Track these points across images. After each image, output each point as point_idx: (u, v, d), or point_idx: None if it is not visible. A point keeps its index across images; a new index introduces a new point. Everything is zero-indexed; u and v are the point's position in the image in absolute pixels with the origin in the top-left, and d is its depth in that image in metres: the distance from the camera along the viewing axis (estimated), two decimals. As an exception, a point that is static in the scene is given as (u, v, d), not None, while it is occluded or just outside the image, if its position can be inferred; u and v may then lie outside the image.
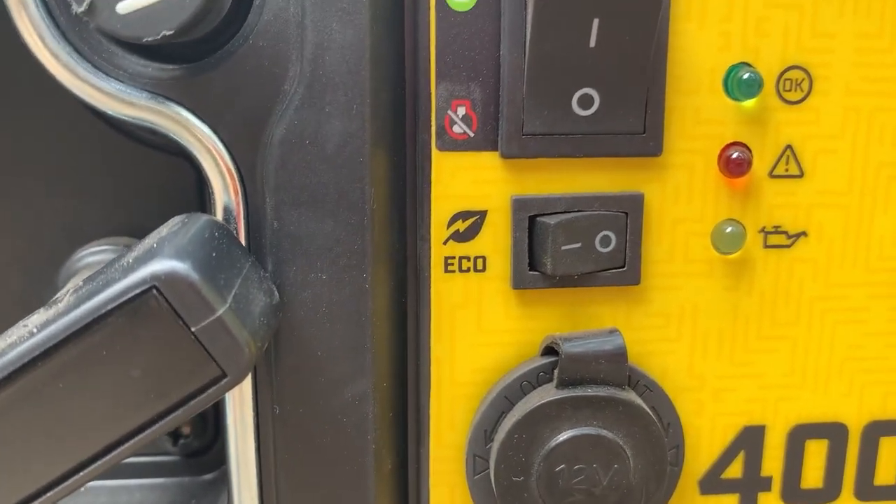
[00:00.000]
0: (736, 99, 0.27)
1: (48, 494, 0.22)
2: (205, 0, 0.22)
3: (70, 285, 0.28)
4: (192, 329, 0.21)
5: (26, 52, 0.30)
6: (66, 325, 0.21)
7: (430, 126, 0.26)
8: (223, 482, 0.33)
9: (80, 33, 0.24)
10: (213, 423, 0.34)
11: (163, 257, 0.21)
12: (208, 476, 0.34)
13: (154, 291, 0.20)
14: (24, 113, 0.31)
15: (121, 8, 0.22)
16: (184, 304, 0.21)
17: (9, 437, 0.22)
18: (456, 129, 0.27)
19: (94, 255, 0.31)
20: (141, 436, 0.22)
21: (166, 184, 0.32)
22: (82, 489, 0.33)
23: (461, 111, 0.26)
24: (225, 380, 0.21)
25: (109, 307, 0.20)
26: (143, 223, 0.32)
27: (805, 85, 0.27)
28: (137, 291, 0.20)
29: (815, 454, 0.30)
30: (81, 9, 0.22)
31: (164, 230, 0.23)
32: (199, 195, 0.32)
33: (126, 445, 0.22)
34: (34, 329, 0.21)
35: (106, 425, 0.22)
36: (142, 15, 0.22)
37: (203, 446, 0.34)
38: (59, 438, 0.22)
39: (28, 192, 0.32)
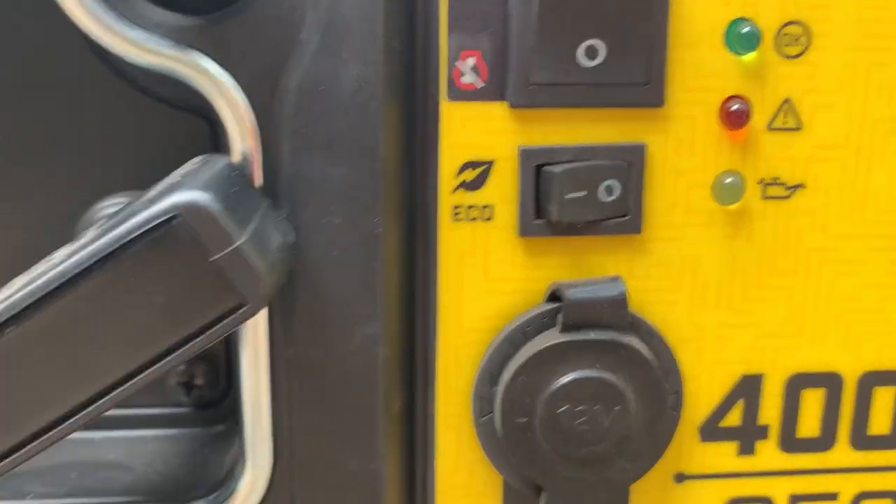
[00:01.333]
0: (736, 53, 0.28)
1: (76, 417, 0.22)
2: (226, -55, 0.23)
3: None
4: (214, 257, 0.22)
5: (40, 7, 0.31)
6: (91, 253, 0.22)
7: (440, 76, 0.27)
8: (235, 433, 0.34)
9: (103, -19, 0.25)
10: (224, 375, 0.35)
11: (186, 188, 0.22)
12: (220, 427, 0.35)
13: (177, 220, 0.21)
14: (37, 70, 0.32)
15: (147, -47, 0.23)
16: (206, 233, 0.21)
17: (36, 363, 0.23)
18: (465, 79, 0.27)
19: (110, 207, 0.32)
20: (163, 362, 0.23)
21: (182, 140, 0.33)
22: (98, 437, 0.34)
23: (471, 62, 0.27)
24: (245, 307, 0.22)
25: (134, 235, 0.21)
26: (159, 180, 0.33)
27: (804, 40, 0.28)
28: (161, 220, 0.21)
29: (812, 403, 0.31)
30: (108, -46, 0.23)
31: (184, 168, 0.24)
32: (214, 151, 0.33)
33: (149, 371, 0.23)
34: (61, 260, 0.22)
35: (130, 351, 0.22)
36: (165, -40, 0.23)
37: (215, 397, 0.35)
38: (85, 364, 0.23)
39: (44, 150, 0.33)
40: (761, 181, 0.29)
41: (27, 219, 0.33)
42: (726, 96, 0.28)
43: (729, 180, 0.29)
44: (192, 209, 0.21)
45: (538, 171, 0.28)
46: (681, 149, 0.28)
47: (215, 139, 0.33)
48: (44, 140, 0.33)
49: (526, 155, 0.28)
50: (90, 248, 0.22)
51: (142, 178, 0.33)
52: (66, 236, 0.33)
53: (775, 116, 0.29)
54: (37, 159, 0.33)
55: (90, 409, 0.23)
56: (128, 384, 0.23)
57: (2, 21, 0.31)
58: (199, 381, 0.34)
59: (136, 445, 0.34)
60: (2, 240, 0.33)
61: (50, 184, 0.33)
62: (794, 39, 0.28)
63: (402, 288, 0.29)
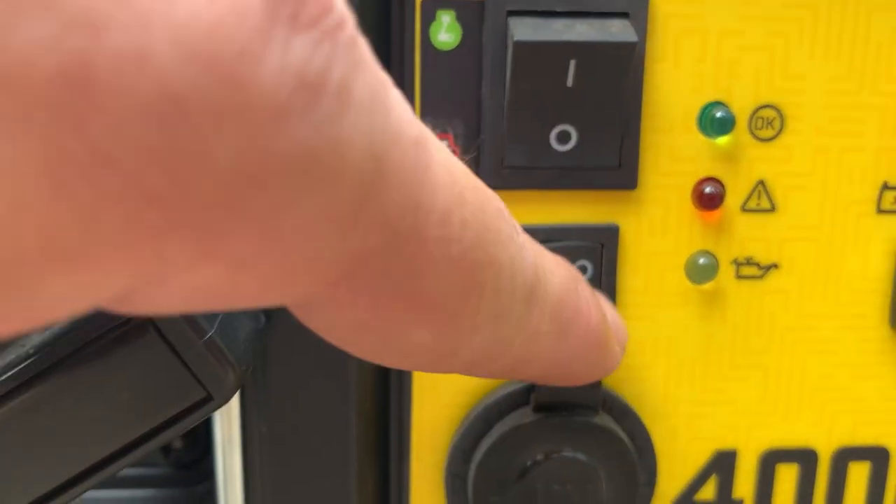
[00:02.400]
0: (709, 136, 0.28)
1: (42, 507, 0.23)
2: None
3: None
4: (180, 355, 0.22)
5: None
6: (60, 348, 0.22)
7: (415, 158, 0.28)
8: (213, 494, 0.34)
9: None
10: (203, 437, 0.35)
11: (153, 285, 0.22)
12: (199, 487, 0.35)
13: (142, 318, 0.22)
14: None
15: None
16: (172, 331, 0.22)
17: (2, 453, 0.23)
18: (439, 161, 0.28)
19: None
20: (130, 455, 0.23)
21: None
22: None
23: (444, 145, 0.28)
24: (211, 402, 0.23)
25: (101, 331, 0.22)
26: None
27: (777, 123, 0.28)
28: (128, 317, 0.22)
29: (786, 478, 0.31)
30: None
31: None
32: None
33: (115, 463, 0.23)
34: (30, 351, 0.23)
35: (96, 444, 0.23)
36: None
37: (194, 459, 0.35)
38: (50, 456, 0.23)
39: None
40: (735, 261, 0.29)
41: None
42: (700, 178, 0.28)
43: (702, 260, 0.29)
44: (158, 307, 0.22)
45: (512, 251, 0.28)
46: (654, 230, 0.29)
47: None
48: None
49: (499, 235, 0.28)
50: (60, 343, 0.22)
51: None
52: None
53: (749, 198, 0.29)
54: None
55: (59, 498, 0.23)
56: (92, 477, 0.23)
57: None
58: (177, 444, 0.35)
59: (115, 506, 0.34)
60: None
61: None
62: (768, 123, 0.28)
63: (377, 365, 0.29)
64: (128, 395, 0.22)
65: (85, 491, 0.23)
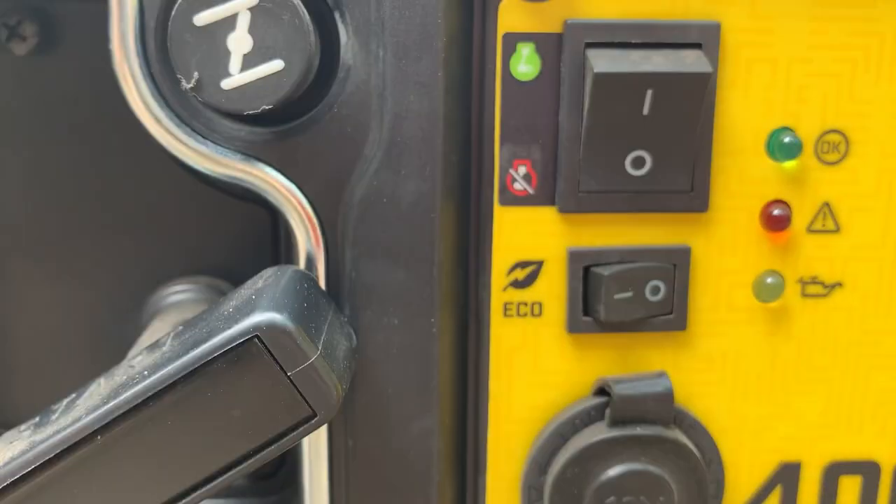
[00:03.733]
0: (777, 160, 0.29)
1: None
2: (300, 76, 0.25)
3: (167, 323, 0.31)
4: (289, 374, 0.23)
5: (113, 103, 0.33)
6: (176, 368, 0.23)
7: (494, 183, 0.29)
8: (289, 505, 0.36)
9: (180, 100, 0.27)
10: (280, 450, 0.36)
11: (263, 309, 0.23)
12: (273, 498, 0.36)
13: (256, 340, 0.23)
14: (109, 160, 0.34)
15: (225, 84, 0.24)
16: (282, 352, 0.23)
17: (120, 468, 0.24)
18: (517, 186, 0.29)
19: (175, 294, 0.34)
20: (236, 469, 0.24)
21: (243, 228, 0.34)
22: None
23: (522, 170, 0.29)
24: (315, 419, 0.24)
25: (216, 353, 0.23)
26: (220, 264, 0.35)
27: (842, 147, 0.29)
28: (241, 340, 0.23)
29: (849, 490, 0.32)
30: (190, 85, 0.25)
31: (259, 282, 0.25)
32: (273, 238, 0.34)
33: (223, 478, 0.24)
34: (145, 372, 0.24)
35: (206, 459, 0.24)
36: (243, 91, 0.25)
37: (270, 470, 0.36)
38: (163, 471, 0.24)
39: (113, 233, 0.35)
40: (800, 280, 0.30)
41: (95, 300, 0.35)
42: (767, 201, 0.29)
43: (770, 280, 0.30)
44: (269, 329, 0.23)
45: (586, 271, 0.29)
46: (724, 250, 0.30)
47: (275, 227, 0.35)
48: (112, 225, 0.35)
49: (575, 256, 0.29)
50: (176, 364, 0.23)
51: (204, 264, 0.35)
52: (131, 317, 0.35)
53: (814, 219, 0.30)
54: (104, 244, 0.35)
55: (169, 510, 0.24)
56: (202, 489, 0.24)
57: (80, 115, 0.33)
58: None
59: (193, 516, 0.36)
60: (71, 320, 0.35)
61: (115, 267, 0.35)
62: (833, 147, 0.29)
63: (455, 381, 0.30)
64: (238, 413, 0.24)
65: (198, 501, 0.24)
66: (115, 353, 0.36)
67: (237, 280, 0.35)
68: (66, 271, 0.34)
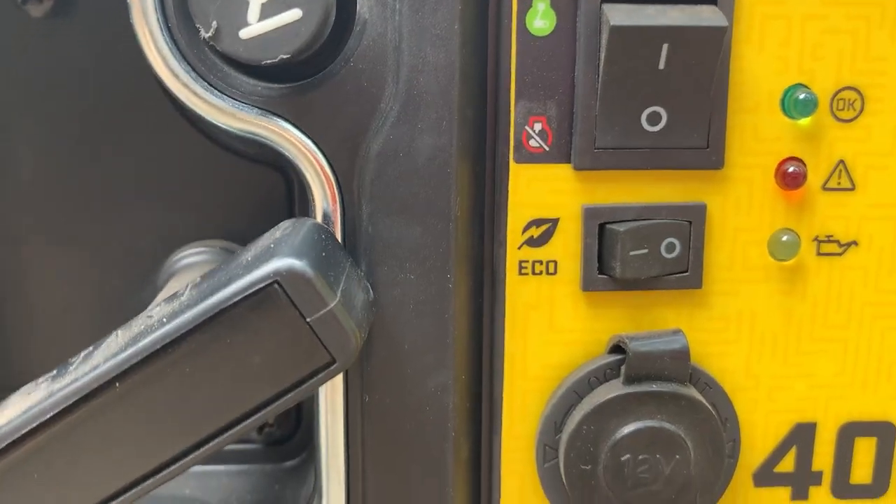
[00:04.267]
0: (792, 117, 0.29)
1: (173, 467, 0.24)
2: (318, 26, 0.25)
3: (183, 282, 0.31)
4: (308, 319, 0.23)
5: (128, 65, 0.33)
6: (195, 315, 0.23)
7: (509, 140, 0.29)
8: (304, 469, 0.36)
9: (197, 55, 0.27)
10: (294, 414, 0.36)
11: (283, 255, 0.23)
12: (290, 463, 0.36)
13: (276, 286, 0.23)
14: (122, 124, 0.34)
15: (243, 34, 0.25)
16: (302, 297, 0.23)
17: (138, 416, 0.24)
18: (532, 143, 0.29)
19: (190, 256, 0.34)
20: (256, 416, 0.24)
21: (256, 191, 0.35)
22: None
23: (538, 127, 0.29)
24: (334, 365, 0.24)
25: (235, 299, 0.23)
26: (235, 228, 0.35)
27: (857, 104, 0.29)
28: (261, 285, 0.23)
29: (864, 451, 0.32)
30: (208, 34, 0.25)
31: (276, 232, 0.26)
32: (287, 202, 0.35)
33: (242, 425, 0.24)
34: (163, 319, 0.24)
35: (226, 405, 0.24)
36: (261, 40, 0.25)
37: (285, 435, 0.36)
38: (183, 418, 0.24)
39: (127, 199, 0.35)
40: (816, 238, 0.30)
41: (109, 264, 0.35)
42: (783, 158, 0.29)
43: (785, 238, 0.30)
44: (289, 275, 0.23)
45: (601, 228, 0.29)
46: (739, 208, 0.30)
47: (289, 190, 0.35)
48: (125, 189, 0.35)
49: (590, 213, 0.29)
50: (194, 310, 0.23)
51: (218, 228, 0.35)
52: (146, 281, 0.35)
53: (830, 177, 0.30)
54: (118, 208, 0.35)
55: (187, 458, 0.24)
56: (222, 436, 0.24)
57: (95, 78, 0.33)
58: (270, 419, 0.36)
59: (210, 480, 0.36)
60: (85, 284, 0.35)
61: (129, 232, 0.35)
62: (849, 104, 0.29)
63: (471, 338, 0.30)
64: (257, 359, 0.24)
65: (215, 451, 0.24)
66: (129, 318, 0.36)
67: (252, 243, 0.35)
68: (80, 237, 0.35)
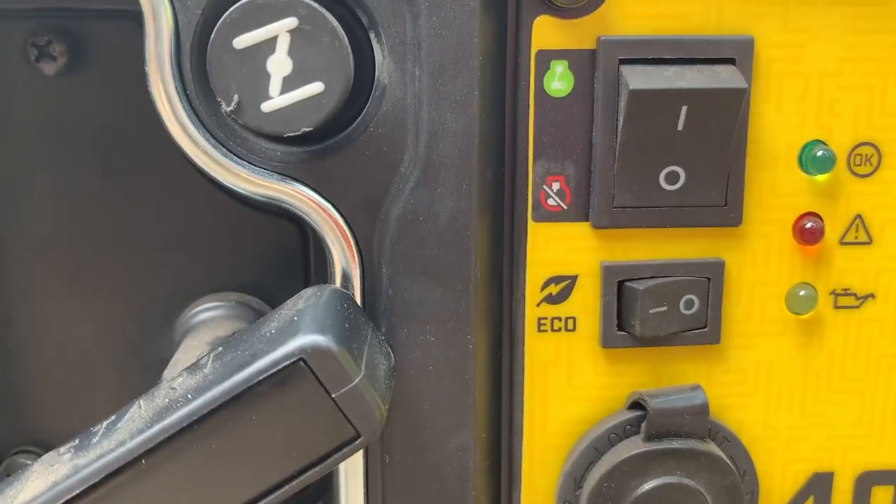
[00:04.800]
0: (809, 173, 0.29)
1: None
2: (339, 99, 0.25)
3: (201, 341, 0.31)
4: (333, 395, 0.23)
5: (144, 120, 0.33)
6: (221, 392, 0.23)
7: (527, 199, 0.29)
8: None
9: (216, 121, 0.27)
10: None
11: (307, 331, 0.23)
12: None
13: (301, 363, 0.23)
14: (139, 178, 0.34)
15: (265, 107, 0.24)
16: (326, 374, 0.23)
17: (162, 493, 0.24)
18: (550, 201, 0.29)
19: (206, 311, 0.34)
20: (281, 491, 0.24)
21: (272, 243, 0.34)
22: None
23: (556, 186, 0.29)
24: (358, 440, 0.24)
25: (261, 377, 0.23)
26: (250, 280, 0.35)
27: (874, 160, 0.29)
28: (287, 363, 0.23)
29: (882, 499, 0.32)
30: (230, 108, 0.25)
31: (299, 302, 0.26)
32: (302, 253, 0.34)
33: (266, 500, 0.24)
34: (188, 395, 0.24)
35: (250, 481, 0.24)
36: (284, 114, 0.25)
37: (308, 497, 0.36)
38: (207, 494, 0.24)
39: (142, 251, 0.35)
40: (833, 292, 0.30)
41: (125, 316, 0.35)
42: (800, 214, 0.29)
43: (802, 292, 0.30)
44: (314, 352, 0.23)
45: (620, 286, 0.29)
46: (757, 263, 0.30)
47: (304, 241, 0.35)
48: (141, 242, 0.35)
49: (609, 271, 0.29)
50: (221, 387, 0.23)
51: (233, 279, 0.35)
52: (162, 333, 0.35)
53: (847, 232, 0.30)
54: (133, 259, 0.35)
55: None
56: (248, 511, 0.24)
57: (111, 133, 0.33)
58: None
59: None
60: (101, 335, 0.35)
61: (144, 283, 0.35)
62: (866, 159, 0.29)
63: (490, 396, 0.30)
64: (281, 435, 0.24)
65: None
66: (145, 372, 0.36)
67: (268, 296, 0.35)
68: (95, 289, 0.34)
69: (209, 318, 0.33)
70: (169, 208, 0.34)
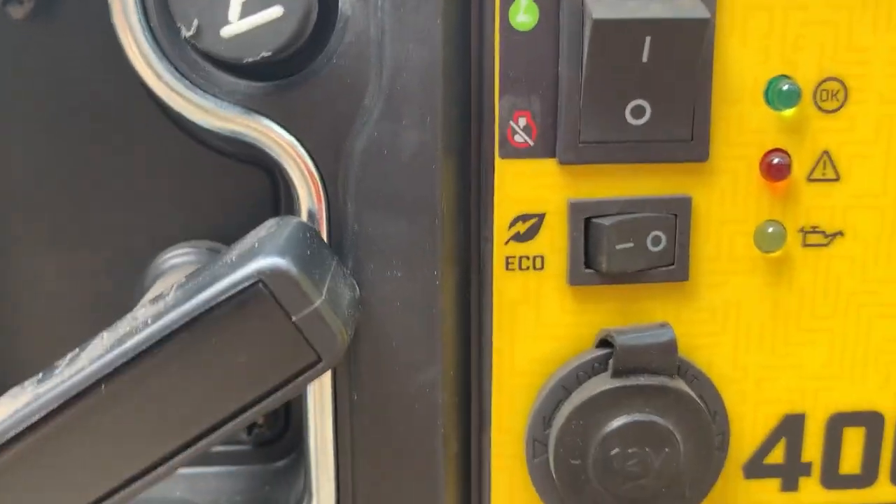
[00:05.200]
0: (776, 109, 0.29)
1: (161, 469, 0.24)
2: (299, 24, 0.25)
3: (169, 283, 0.31)
4: (293, 318, 0.23)
5: (112, 66, 0.33)
6: (179, 315, 0.23)
7: (494, 136, 0.29)
8: (294, 469, 0.36)
9: (180, 54, 0.27)
10: (283, 415, 0.36)
11: (266, 254, 0.23)
12: (279, 463, 0.36)
13: (260, 285, 0.23)
14: (108, 126, 0.34)
15: (224, 32, 0.24)
16: (286, 296, 0.23)
17: (124, 418, 0.24)
18: (517, 138, 0.29)
19: (177, 257, 0.34)
20: (243, 416, 0.24)
21: (242, 191, 0.34)
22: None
23: (522, 122, 0.29)
24: (320, 364, 0.24)
25: (220, 299, 0.23)
26: (221, 228, 0.35)
27: (841, 95, 0.29)
28: (245, 285, 0.23)
29: (853, 441, 0.32)
30: (190, 33, 0.25)
31: (261, 231, 0.26)
32: (273, 201, 0.34)
33: (230, 424, 0.24)
34: (148, 320, 0.24)
35: (213, 406, 0.24)
36: (243, 39, 0.25)
37: (274, 436, 0.36)
38: (169, 420, 0.24)
39: (112, 201, 0.35)
40: (801, 229, 0.30)
41: (96, 266, 0.35)
42: (767, 150, 0.29)
43: (770, 229, 0.30)
44: (273, 274, 0.23)
45: (587, 223, 0.29)
46: (724, 200, 0.30)
47: (275, 189, 0.35)
48: (111, 190, 0.34)
49: (575, 208, 0.29)
50: (178, 311, 0.23)
51: (204, 228, 0.35)
52: (133, 282, 0.35)
53: (814, 168, 0.30)
54: (105, 209, 0.35)
55: (175, 460, 0.24)
56: (208, 437, 0.24)
57: (79, 80, 0.33)
58: (259, 420, 0.36)
59: (199, 482, 0.36)
60: (73, 286, 0.35)
61: (116, 233, 0.35)
62: (832, 95, 0.29)
63: (458, 334, 0.30)
64: (242, 359, 0.24)
65: (200, 452, 0.24)
66: (117, 319, 0.36)
67: (238, 243, 0.35)
68: (66, 237, 0.34)
69: (179, 263, 0.33)
70: (139, 158, 0.34)
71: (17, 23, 0.32)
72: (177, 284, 0.26)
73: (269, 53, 0.25)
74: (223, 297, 0.23)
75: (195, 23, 0.24)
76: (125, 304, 0.35)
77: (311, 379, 0.24)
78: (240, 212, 0.35)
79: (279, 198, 0.34)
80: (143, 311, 0.26)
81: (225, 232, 0.35)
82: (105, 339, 0.25)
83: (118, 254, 0.35)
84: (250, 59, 0.25)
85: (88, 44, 0.33)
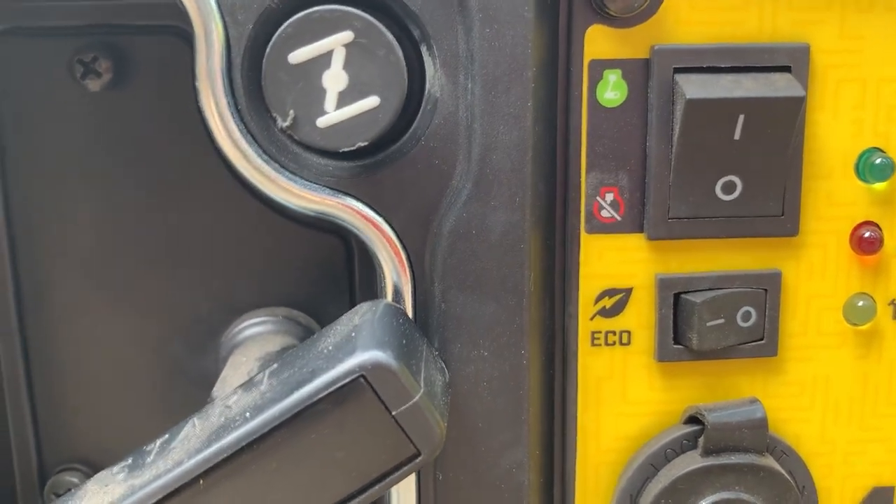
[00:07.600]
0: (867, 182, 0.29)
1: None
2: (395, 113, 0.24)
3: (251, 356, 0.31)
4: (393, 413, 0.23)
5: (188, 135, 0.33)
6: (280, 411, 0.23)
7: (580, 211, 0.28)
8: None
9: (268, 136, 0.27)
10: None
11: (366, 347, 0.23)
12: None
13: (361, 379, 0.23)
14: (182, 193, 0.34)
15: (321, 122, 0.24)
16: (387, 391, 0.23)
17: (222, 511, 0.24)
18: (604, 213, 0.28)
19: (253, 326, 0.34)
20: (340, 510, 0.24)
21: (316, 257, 0.34)
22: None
23: (609, 197, 0.28)
24: (419, 458, 0.23)
25: (322, 395, 0.23)
26: (296, 295, 0.35)
27: (933, 167, 0.29)
28: (347, 380, 0.23)
29: (943, 514, 0.31)
30: (286, 124, 0.24)
31: (354, 318, 0.25)
32: (347, 268, 0.34)
33: (325, 520, 0.24)
34: (246, 413, 0.24)
35: (310, 501, 0.24)
36: (339, 129, 0.24)
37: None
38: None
39: (187, 267, 0.34)
40: (892, 302, 0.30)
41: (171, 330, 0.35)
42: (857, 223, 0.29)
43: (861, 303, 0.29)
44: (375, 369, 0.23)
45: (676, 298, 0.29)
46: (814, 274, 0.29)
47: (349, 255, 0.34)
48: (185, 256, 0.34)
49: (664, 283, 0.29)
50: (280, 406, 0.23)
51: (278, 294, 0.35)
52: (207, 349, 0.35)
53: (906, 241, 0.29)
54: (179, 275, 0.34)
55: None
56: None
57: (156, 149, 0.33)
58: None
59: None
60: (147, 350, 0.35)
61: (190, 299, 0.35)
62: (924, 166, 0.29)
63: (543, 412, 0.30)
64: (341, 453, 0.23)
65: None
66: (191, 388, 0.36)
67: (313, 311, 0.35)
68: (139, 306, 0.34)
69: (256, 333, 0.33)
70: (213, 224, 0.34)
71: (93, 95, 0.32)
72: (270, 371, 0.26)
73: (366, 143, 0.24)
74: (325, 393, 0.23)
75: (291, 113, 0.24)
76: (200, 373, 0.35)
77: (409, 473, 0.24)
78: (313, 278, 0.34)
79: (353, 265, 0.34)
80: (235, 398, 0.25)
81: (299, 298, 0.34)
82: (198, 428, 0.25)
83: (191, 320, 0.35)
84: (346, 149, 0.24)
85: (165, 113, 0.33)
